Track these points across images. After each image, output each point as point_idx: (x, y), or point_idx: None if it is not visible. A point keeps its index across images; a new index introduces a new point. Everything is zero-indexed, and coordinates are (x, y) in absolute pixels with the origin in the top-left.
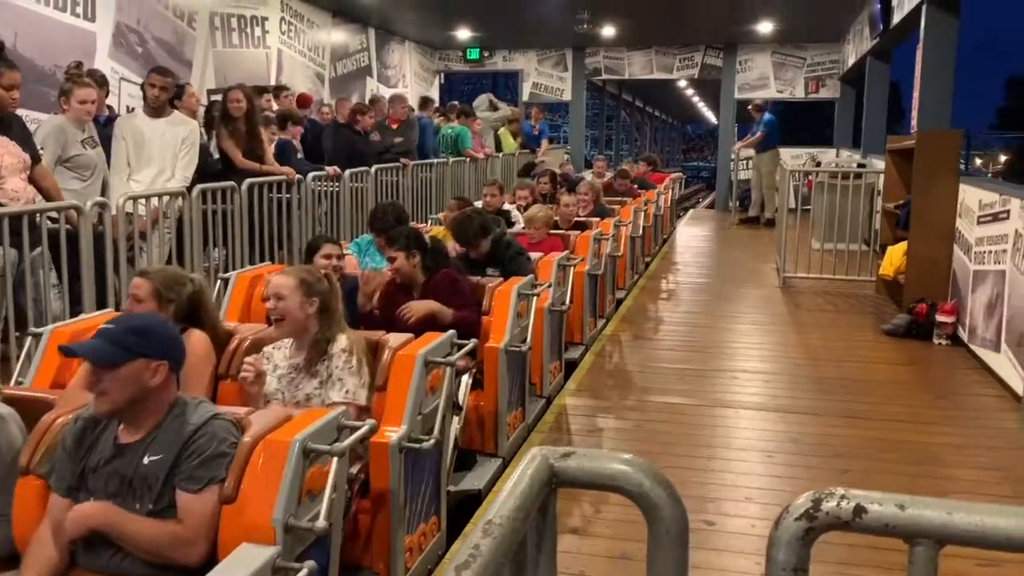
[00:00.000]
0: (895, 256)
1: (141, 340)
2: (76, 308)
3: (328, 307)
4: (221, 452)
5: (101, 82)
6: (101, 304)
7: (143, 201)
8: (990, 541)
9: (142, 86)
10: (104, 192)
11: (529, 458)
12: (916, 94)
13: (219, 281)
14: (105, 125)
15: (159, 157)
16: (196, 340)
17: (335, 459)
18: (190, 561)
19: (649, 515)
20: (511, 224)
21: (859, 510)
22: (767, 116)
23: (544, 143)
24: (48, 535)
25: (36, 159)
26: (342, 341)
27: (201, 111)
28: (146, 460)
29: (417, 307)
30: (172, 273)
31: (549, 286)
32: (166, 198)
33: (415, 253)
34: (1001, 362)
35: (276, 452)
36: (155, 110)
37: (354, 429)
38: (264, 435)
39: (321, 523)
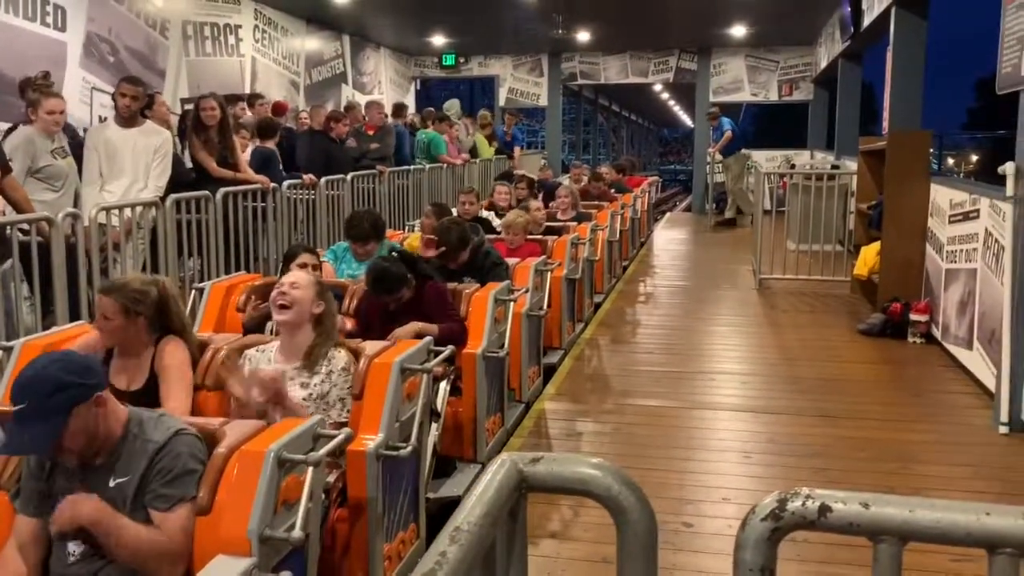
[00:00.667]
0: (869, 256)
1: (62, 394)
2: (48, 320)
3: (326, 318)
4: (188, 469)
5: None
6: (74, 316)
7: (116, 212)
8: (951, 537)
9: (113, 96)
10: (76, 203)
11: (498, 464)
12: (887, 95)
13: (194, 291)
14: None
15: (131, 167)
16: (175, 348)
17: (311, 468)
18: (177, 571)
19: (618, 518)
20: (493, 231)
21: (824, 509)
22: (726, 121)
23: (517, 149)
24: (14, 554)
25: (6, 170)
26: (341, 359)
27: (175, 120)
28: (112, 483)
29: (403, 334)
30: (135, 286)
31: (526, 291)
32: (139, 208)
33: (412, 280)
34: (974, 359)
35: (251, 462)
36: (127, 120)
37: (330, 438)
38: (239, 445)
39: (297, 533)
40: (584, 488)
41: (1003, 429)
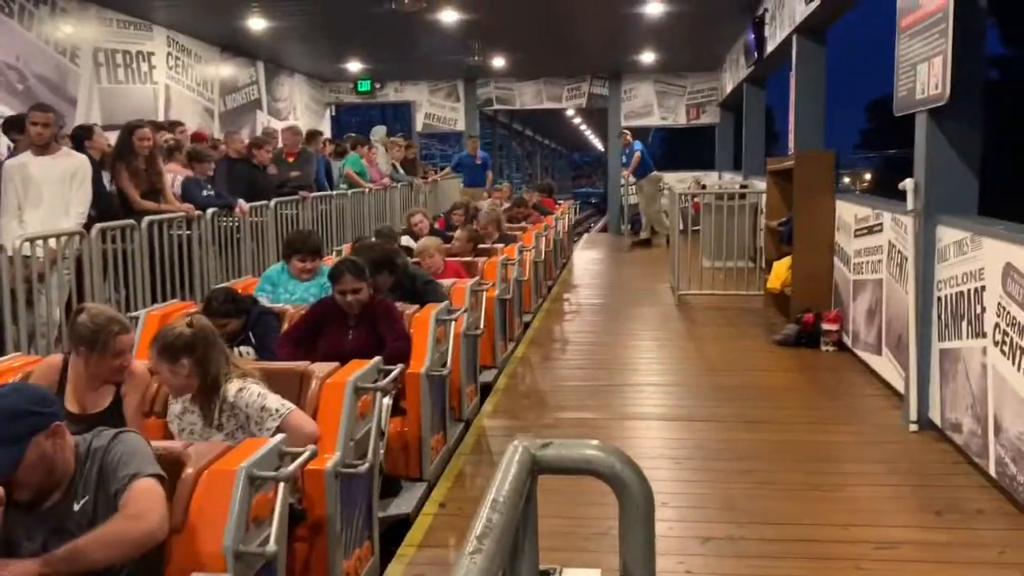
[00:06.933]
0: (781, 270)
1: (21, 422)
2: None
3: (204, 357)
4: (139, 450)
5: None
6: (0, 351)
7: (40, 242)
8: None
9: (24, 125)
10: None
11: (512, 449)
12: (791, 117)
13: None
14: None
15: (49, 196)
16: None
17: (281, 484)
18: (151, 531)
19: (621, 493)
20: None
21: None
22: (636, 144)
23: (489, 175)
24: None
25: None
26: (231, 389)
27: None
28: (76, 507)
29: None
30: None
31: (465, 311)
32: (64, 238)
33: (369, 284)
34: (883, 364)
35: (221, 481)
36: (41, 148)
37: (296, 455)
38: (207, 465)
39: (271, 547)
40: (590, 468)
41: (913, 427)
